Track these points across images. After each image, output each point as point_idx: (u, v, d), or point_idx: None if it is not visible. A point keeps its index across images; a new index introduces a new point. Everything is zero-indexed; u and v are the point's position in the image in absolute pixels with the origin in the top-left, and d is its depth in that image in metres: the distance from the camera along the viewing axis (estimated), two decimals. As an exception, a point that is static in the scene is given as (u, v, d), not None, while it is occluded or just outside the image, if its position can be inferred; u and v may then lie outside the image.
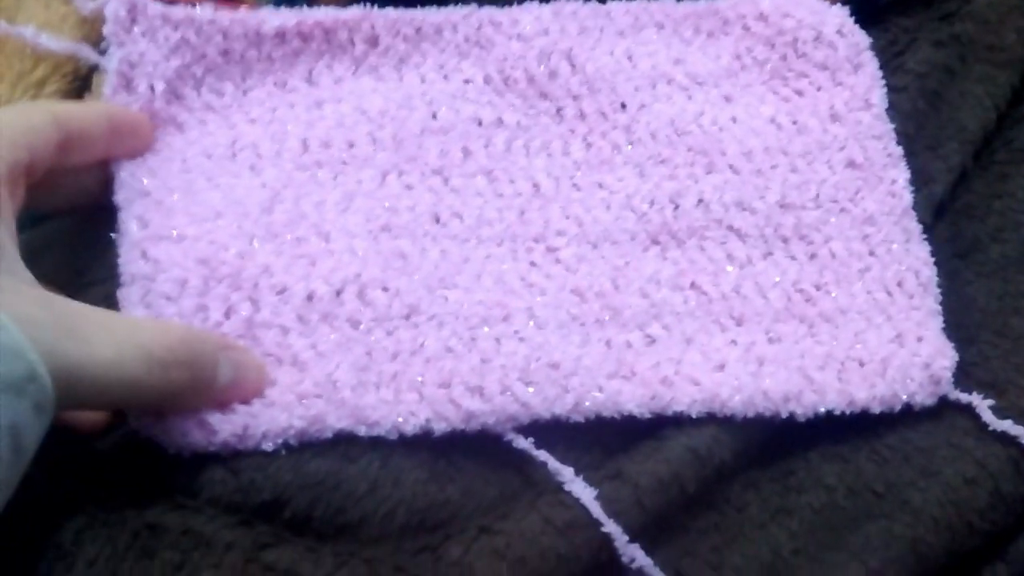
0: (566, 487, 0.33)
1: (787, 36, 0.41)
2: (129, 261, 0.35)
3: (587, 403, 0.35)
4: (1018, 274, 0.40)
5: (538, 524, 0.32)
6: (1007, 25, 0.43)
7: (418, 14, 0.40)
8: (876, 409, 0.36)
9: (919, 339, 0.38)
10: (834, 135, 0.40)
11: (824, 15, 0.41)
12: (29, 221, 0.36)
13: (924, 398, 0.37)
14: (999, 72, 0.42)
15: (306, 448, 0.33)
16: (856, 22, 0.42)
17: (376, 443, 0.33)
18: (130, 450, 0.33)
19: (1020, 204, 0.42)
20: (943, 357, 0.37)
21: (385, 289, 0.35)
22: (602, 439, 0.35)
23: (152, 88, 0.37)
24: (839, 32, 0.41)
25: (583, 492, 0.33)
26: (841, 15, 0.41)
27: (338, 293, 0.35)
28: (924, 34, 0.43)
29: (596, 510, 0.32)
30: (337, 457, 0.33)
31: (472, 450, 0.34)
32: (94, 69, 0.40)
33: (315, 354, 0.34)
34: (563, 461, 0.34)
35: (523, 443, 0.34)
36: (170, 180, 0.37)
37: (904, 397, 0.37)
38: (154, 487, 0.33)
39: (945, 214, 0.42)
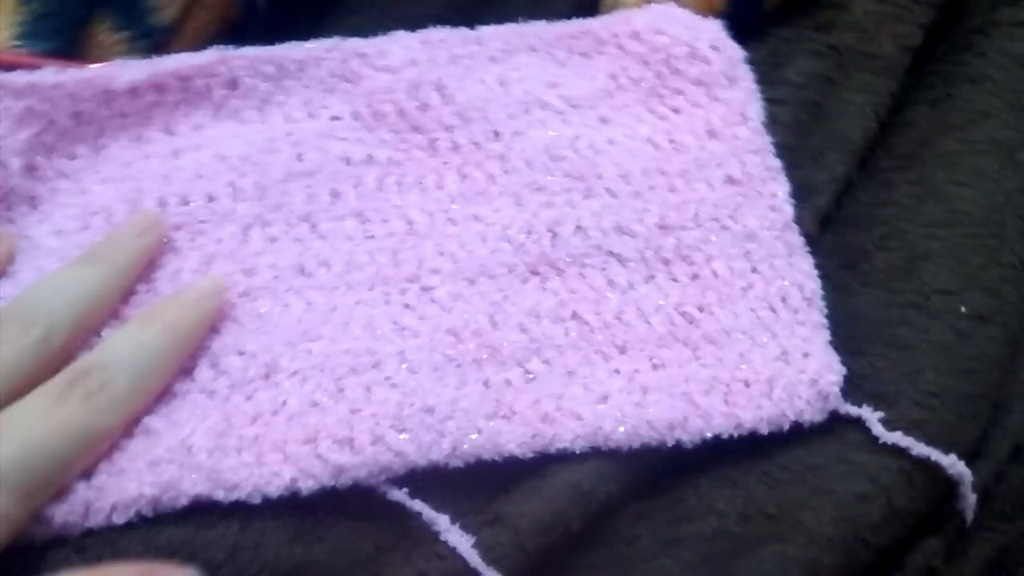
0: (442, 536, 0.32)
1: (661, 53, 0.40)
2: None
3: (465, 446, 0.34)
4: (905, 283, 0.40)
5: None
6: (884, 33, 0.43)
7: (278, 51, 0.38)
8: (764, 430, 0.36)
9: (805, 355, 0.37)
10: (712, 152, 0.40)
11: (698, 30, 0.41)
12: None
13: (813, 415, 0.36)
14: (878, 80, 0.42)
15: (158, 518, 0.32)
16: (737, 35, 0.41)
17: (236, 507, 0.32)
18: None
19: (905, 212, 0.41)
20: (830, 372, 0.37)
21: (241, 353, 0.34)
22: (484, 481, 0.34)
23: (4, 164, 0.35)
24: (713, 47, 0.40)
25: (460, 541, 0.32)
26: (715, 29, 0.41)
27: (189, 370, 0.34)
28: (803, 44, 0.43)
29: (474, 559, 0.32)
30: (192, 524, 0.32)
31: (343, 504, 0.33)
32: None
33: (167, 423, 0.33)
34: (443, 507, 0.33)
35: (397, 495, 0.33)
36: (19, 274, 0.35)
37: (792, 416, 0.36)
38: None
39: (831, 225, 0.41)
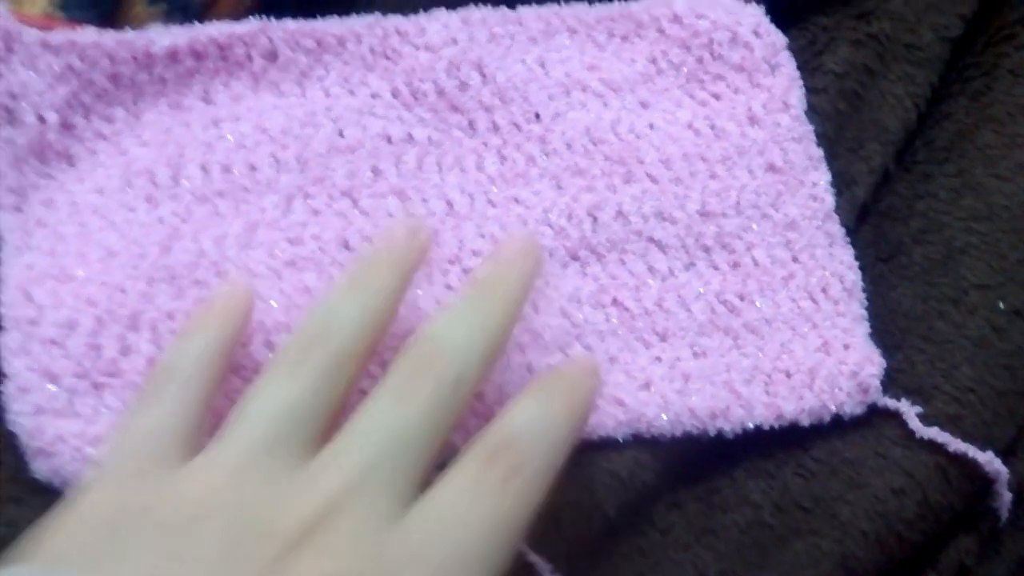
0: None
1: (702, 38, 0.40)
2: (11, 304, 0.33)
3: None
4: (942, 277, 0.39)
5: None
6: (924, 23, 0.42)
7: (319, 25, 0.38)
8: (805, 421, 0.36)
9: (846, 347, 0.37)
10: (753, 139, 0.39)
11: (740, 15, 0.40)
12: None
13: (853, 407, 0.36)
14: (918, 71, 0.42)
15: None
16: (774, 22, 0.41)
17: None
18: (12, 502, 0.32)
19: (943, 205, 0.41)
20: (871, 364, 0.36)
21: (291, 332, 0.34)
22: None
23: (42, 119, 0.35)
24: (755, 32, 0.40)
25: None
26: (757, 15, 0.40)
27: (243, 345, 0.33)
28: (842, 33, 0.42)
29: (521, 544, 0.31)
30: None
31: None
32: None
33: (228, 400, 0.32)
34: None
35: None
36: (60, 226, 0.35)
37: (833, 407, 0.36)
38: None
39: (868, 217, 0.41)
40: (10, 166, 0.35)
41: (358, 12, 0.39)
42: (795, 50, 0.41)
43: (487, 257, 0.34)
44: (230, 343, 0.31)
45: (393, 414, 0.27)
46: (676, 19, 0.40)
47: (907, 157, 0.42)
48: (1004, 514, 0.37)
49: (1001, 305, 0.39)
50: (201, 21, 0.38)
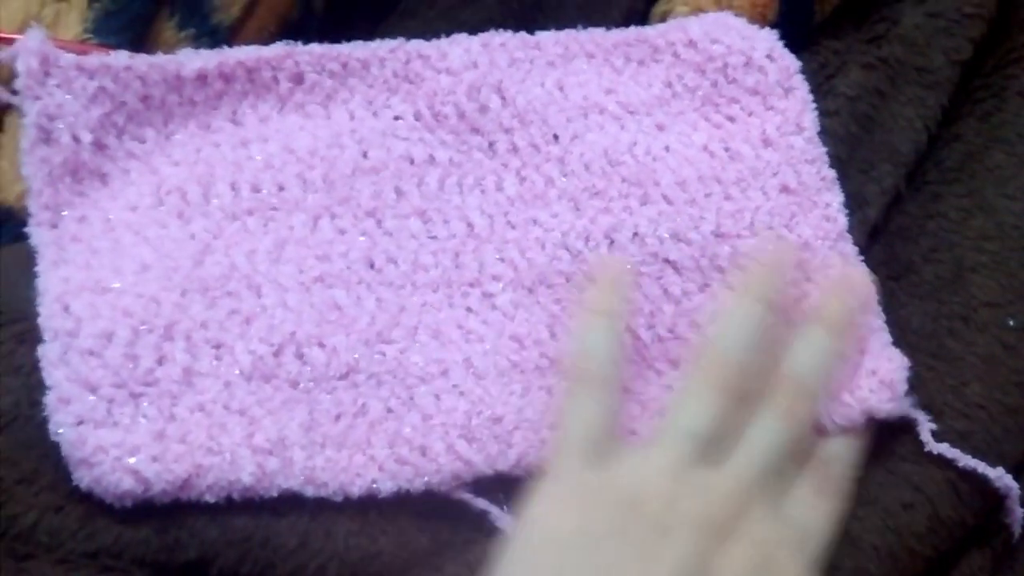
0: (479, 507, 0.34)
1: (717, 62, 0.41)
2: (50, 316, 0.34)
3: (530, 458, 0.34)
4: (952, 295, 0.40)
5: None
6: (935, 47, 0.43)
7: (344, 49, 0.39)
8: (834, 427, 0.36)
9: (862, 351, 0.37)
10: (767, 161, 0.40)
11: (754, 40, 0.41)
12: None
13: (881, 406, 0.36)
14: (928, 93, 0.43)
15: (232, 502, 0.32)
16: (786, 46, 0.42)
17: (302, 497, 0.33)
18: (52, 511, 0.33)
19: (952, 224, 0.42)
20: (893, 366, 0.37)
21: (322, 346, 0.35)
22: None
23: (76, 139, 0.36)
24: (769, 56, 0.41)
25: None
26: (771, 39, 0.41)
27: (275, 354, 0.35)
28: (853, 56, 0.43)
29: None
30: (266, 511, 0.32)
31: (403, 499, 0.34)
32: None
33: (264, 410, 0.34)
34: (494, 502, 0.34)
35: (481, 503, 0.34)
36: (95, 241, 0.36)
37: (860, 410, 0.36)
38: (80, 548, 0.32)
39: (879, 237, 0.41)
40: (46, 184, 0.36)
41: (381, 36, 0.40)
42: (807, 73, 0.42)
43: (830, 295, 0.37)
44: (626, 316, 0.36)
45: (779, 432, 0.35)
46: (691, 44, 0.41)
47: (917, 177, 0.42)
48: (1017, 530, 0.37)
49: (1011, 323, 0.39)
50: (229, 45, 0.39)
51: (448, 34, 0.40)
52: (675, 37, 0.41)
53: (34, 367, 0.34)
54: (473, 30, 0.41)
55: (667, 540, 0.31)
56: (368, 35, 0.40)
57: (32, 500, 0.33)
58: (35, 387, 0.33)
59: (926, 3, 0.43)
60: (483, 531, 0.33)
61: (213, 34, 0.40)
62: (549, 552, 0.31)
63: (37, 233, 0.35)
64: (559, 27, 0.41)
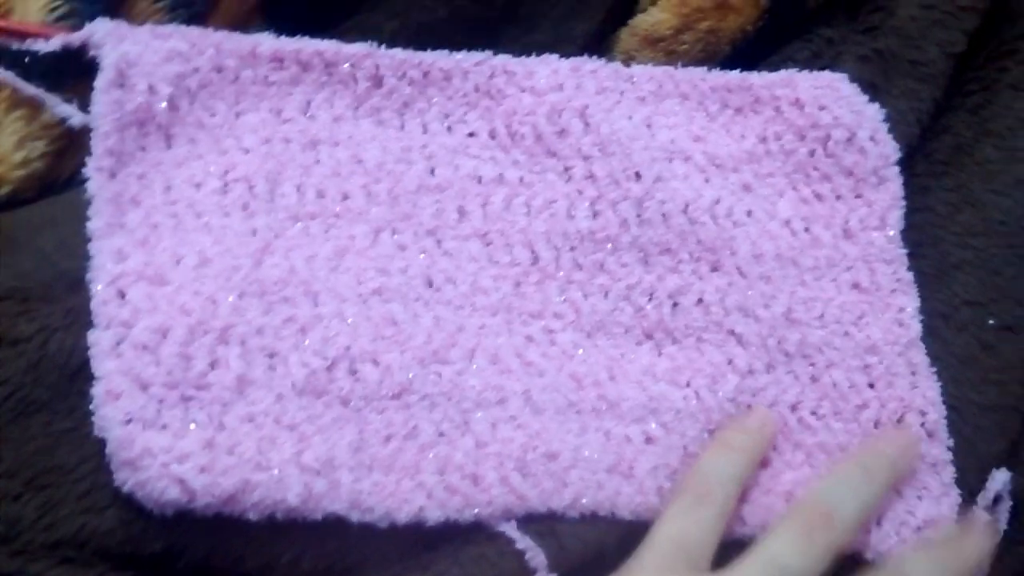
0: (518, 545, 0.33)
1: (820, 131, 0.39)
2: (104, 301, 0.32)
3: (584, 500, 0.34)
4: (935, 292, 0.41)
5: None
6: (929, 39, 0.43)
7: (427, 57, 0.38)
8: (867, 558, 0.36)
9: (920, 497, 0.37)
10: (844, 253, 0.39)
11: (862, 115, 0.40)
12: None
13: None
14: (922, 87, 0.42)
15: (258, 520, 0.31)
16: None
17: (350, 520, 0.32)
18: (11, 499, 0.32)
19: (939, 219, 0.42)
20: (941, 517, 0.37)
21: (376, 363, 0.34)
22: None
23: (152, 89, 0.34)
24: (872, 139, 0.39)
25: (533, 548, 0.33)
26: (877, 118, 0.40)
27: (328, 369, 0.34)
28: (848, 48, 0.43)
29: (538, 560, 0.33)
30: None
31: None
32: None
33: (314, 427, 0.33)
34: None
35: (522, 540, 0.33)
36: (154, 212, 0.34)
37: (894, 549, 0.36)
38: (39, 539, 0.31)
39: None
40: (113, 127, 0.34)
41: (350, 32, 0.39)
42: (799, 62, 0.42)
43: (878, 440, 0.37)
44: (755, 467, 0.36)
45: (794, 557, 0.34)
46: (797, 103, 0.39)
47: (907, 170, 0.42)
48: (1002, 526, 0.38)
49: (991, 321, 0.40)
50: (203, 20, 0.38)
51: (408, 29, 0.39)
52: (781, 92, 0.40)
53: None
54: (432, 27, 0.39)
55: None
56: (329, 26, 0.39)
57: None
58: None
59: (921, -6, 0.43)
60: (483, 533, 0.33)
61: (190, 5, 0.38)
62: None
63: (96, 179, 0.34)
64: (530, 23, 0.40)
